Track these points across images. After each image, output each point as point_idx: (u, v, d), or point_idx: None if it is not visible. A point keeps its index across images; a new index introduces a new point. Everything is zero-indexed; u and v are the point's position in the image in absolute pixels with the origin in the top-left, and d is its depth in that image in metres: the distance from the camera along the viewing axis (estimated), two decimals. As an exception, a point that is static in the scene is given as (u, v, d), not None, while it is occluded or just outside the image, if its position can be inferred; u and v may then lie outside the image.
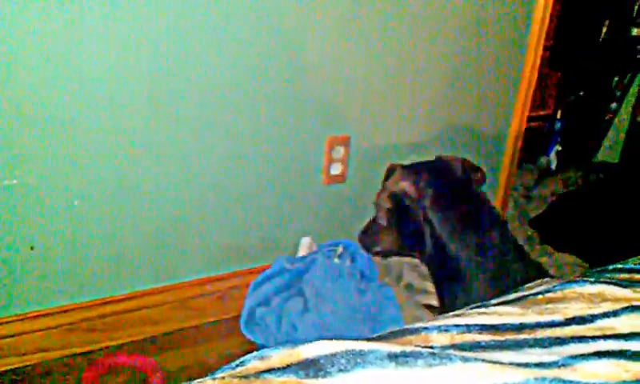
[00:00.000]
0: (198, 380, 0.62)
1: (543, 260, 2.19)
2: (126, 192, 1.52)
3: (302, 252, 1.80)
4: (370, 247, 1.55)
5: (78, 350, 1.56)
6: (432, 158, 1.51)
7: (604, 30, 2.73)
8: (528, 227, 2.44)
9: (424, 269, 1.63)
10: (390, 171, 1.47)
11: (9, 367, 1.47)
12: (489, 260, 1.32)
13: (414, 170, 1.42)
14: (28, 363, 1.49)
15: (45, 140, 1.38)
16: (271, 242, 1.81)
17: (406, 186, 1.38)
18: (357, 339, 0.64)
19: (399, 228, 1.44)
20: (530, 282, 0.94)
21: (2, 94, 1.31)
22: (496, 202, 2.36)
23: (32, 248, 1.45)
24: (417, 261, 1.51)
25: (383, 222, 1.46)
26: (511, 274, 1.30)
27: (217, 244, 1.71)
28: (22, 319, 1.47)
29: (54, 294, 1.50)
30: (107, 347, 1.59)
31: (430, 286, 1.67)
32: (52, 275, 1.49)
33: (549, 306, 0.77)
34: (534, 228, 2.42)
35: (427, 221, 1.35)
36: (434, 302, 1.63)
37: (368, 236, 1.54)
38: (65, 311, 1.52)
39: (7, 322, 1.46)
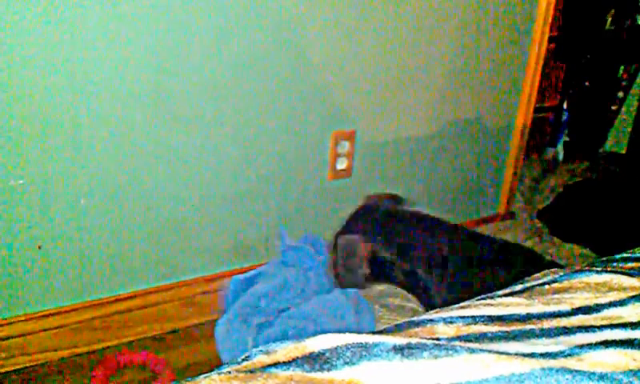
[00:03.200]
0: (204, 375, 0.62)
1: (552, 252, 2.19)
2: (131, 190, 1.52)
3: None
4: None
5: (87, 349, 1.56)
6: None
7: (609, 19, 2.72)
8: (536, 219, 2.43)
9: None
10: (337, 240, 1.54)
11: (17, 367, 1.47)
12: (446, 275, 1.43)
13: (364, 230, 1.51)
14: (36, 363, 1.50)
15: (49, 140, 1.38)
16: (277, 238, 1.81)
17: (371, 247, 1.47)
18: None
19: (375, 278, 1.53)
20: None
21: (6, 95, 1.31)
22: (503, 195, 2.35)
23: (40, 247, 1.45)
24: None
25: (363, 282, 1.53)
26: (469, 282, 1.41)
27: (222, 241, 1.71)
28: (30, 319, 1.47)
29: (61, 293, 1.51)
30: (115, 345, 1.59)
31: (411, 303, 1.70)
32: (59, 274, 1.49)
33: (555, 296, 0.77)
34: (542, 220, 2.41)
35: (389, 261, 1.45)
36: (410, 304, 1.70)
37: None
38: (72, 310, 1.52)
39: (15, 322, 1.46)
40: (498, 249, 1.49)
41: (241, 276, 1.69)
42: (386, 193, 1.68)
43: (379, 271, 1.48)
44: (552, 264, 1.49)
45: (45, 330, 1.50)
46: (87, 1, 1.33)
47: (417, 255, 1.44)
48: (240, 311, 1.61)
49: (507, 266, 1.44)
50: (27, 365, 1.49)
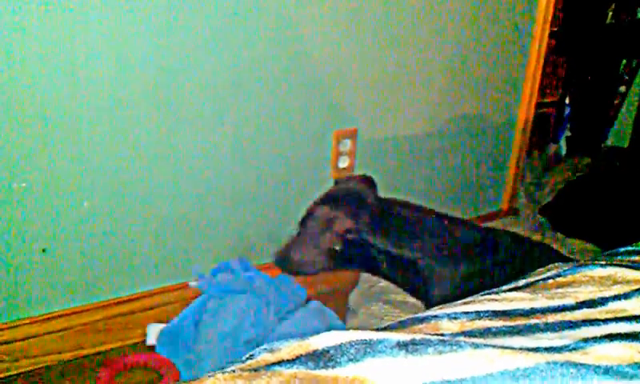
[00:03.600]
0: (208, 374, 0.62)
1: (555, 247, 2.18)
2: (134, 191, 1.52)
3: (150, 339, 1.60)
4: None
5: (92, 351, 1.56)
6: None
7: (610, 13, 2.72)
8: (539, 215, 2.43)
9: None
10: (311, 213, 1.48)
11: (22, 370, 1.47)
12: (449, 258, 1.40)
13: (345, 208, 1.45)
14: (41, 365, 1.50)
15: (51, 142, 1.38)
16: (279, 238, 1.80)
17: (350, 224, 1.41)
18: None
19: (349, 263, 1.47)
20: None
21: (7, 99, 1.31)
22: (506, 191, 2.35)
23: (44, 250, 1.45)
24: None
25: (330, 265, 1.47)
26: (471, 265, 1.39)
27: (226, 241, 1.71)
28: (34, 321, 1.47)
29: (65, 296, 1.51)
30: (120, 347, 1.59)
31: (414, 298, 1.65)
32: (63, 277, 1.49)
33: (559, 290, 0.76)
34: (545, 215, 2.41)
35: (376, 247, 1.41)
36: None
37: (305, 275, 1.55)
38: (77, 312, 1.52)
39: (20, 325, 1.46)
40: (508, 244, 1.48)
41: (163, 329, 1.57)
42: (358, 175, 1.65)
43: (359, 256, 1.45)
44: (561, 257, 1.49)
45: (49, 332, 1.50)
46: (88, 1, 1.33)
47: (418, 245, 1.42)
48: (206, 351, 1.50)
49: (515, 261, 1.43)
50: (31, 368, 1.49)
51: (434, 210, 1.52)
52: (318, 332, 0.64)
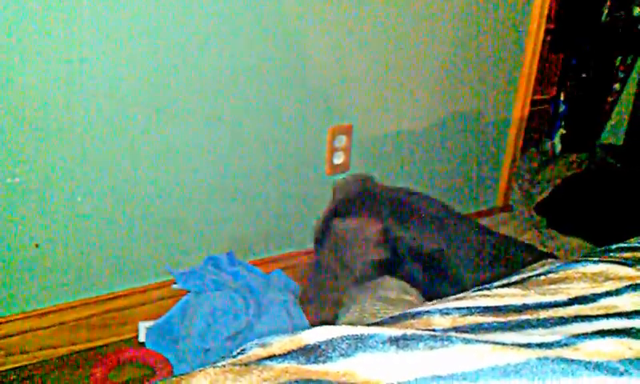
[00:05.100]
0: (200, 369, 0.62)
1: (550, 244, 2.19)
2: (128, 187, 1.52)
3: (142, 337, 1.60)
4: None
5: (86, 346, 1.56)
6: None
7: (605, 11, 2.72)
8: (534, 212, 2.43)
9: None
10: (335, 227, 1.45)
11: (16, 365, 1.47)
12: (472, 252, 1.38)
13: (368, 212, 1.43)
14: (35, 361, 1.50)
15: (46, 137, 1.38)
16: (275, 234, 1.81)
17: (379, 228, 1.40)
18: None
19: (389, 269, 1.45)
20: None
21: (2, 93, 1.31)
22: (501, 188, 2.35)
23: (37, 246, 1.45)
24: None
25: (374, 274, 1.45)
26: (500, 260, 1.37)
27: (220, 237, 1.71)
28: (28, 317, 1.47)
29: (59, 291, 1.50)
30: (114, 342, 1.59)
31: (409, 296, 1.63)
32: (57, 272, 1.49)
33: (551, 286, 0.77)
34: (540, 213, 2.41)
35: (402, 242, 1.39)
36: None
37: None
38: (70, 308, 1.52)
39: (14, 320, 1.46)
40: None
41: (152, 325, 1.59)
42: (357, 174, 1.62)
43: (391, 257, 1.41)
44: (549, 256, 1.49)
45: (43, 327, 1.49)
46: (83, -2, 1.33)
47: (442, 241, 1.40)
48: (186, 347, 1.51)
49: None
50: (26, 363, 1.49)
51: (452, 208, 1.50)
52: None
